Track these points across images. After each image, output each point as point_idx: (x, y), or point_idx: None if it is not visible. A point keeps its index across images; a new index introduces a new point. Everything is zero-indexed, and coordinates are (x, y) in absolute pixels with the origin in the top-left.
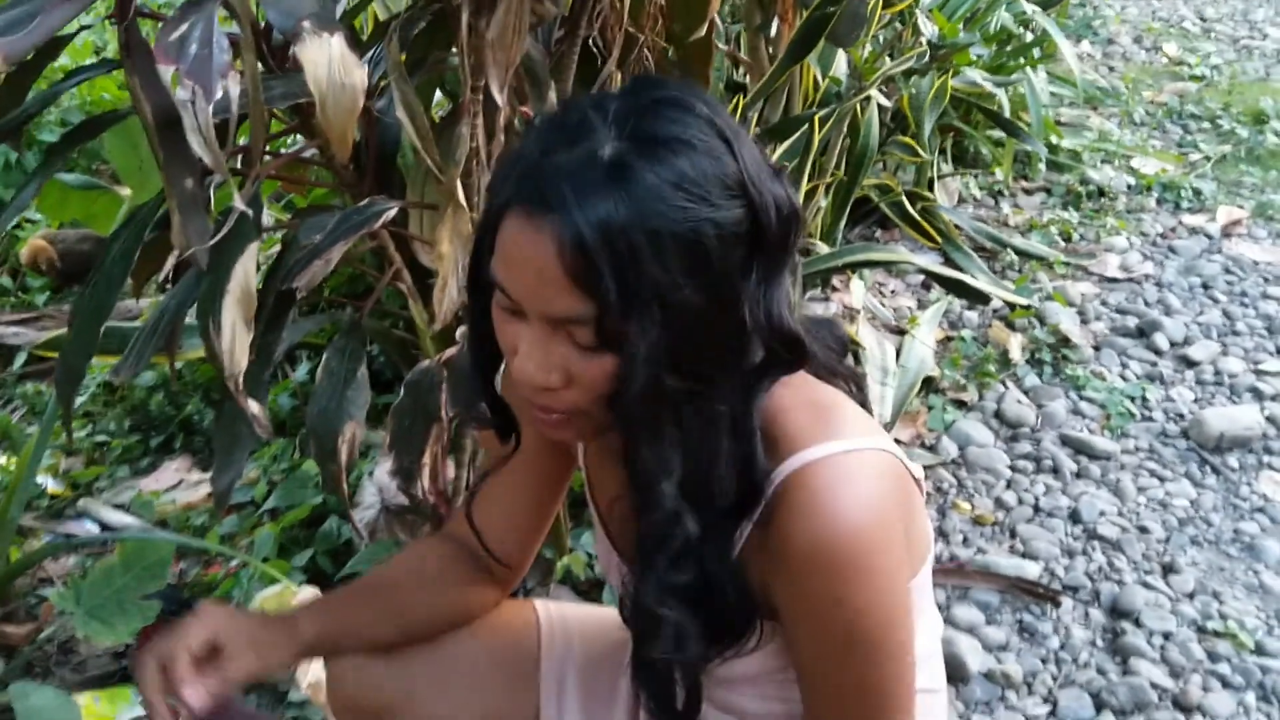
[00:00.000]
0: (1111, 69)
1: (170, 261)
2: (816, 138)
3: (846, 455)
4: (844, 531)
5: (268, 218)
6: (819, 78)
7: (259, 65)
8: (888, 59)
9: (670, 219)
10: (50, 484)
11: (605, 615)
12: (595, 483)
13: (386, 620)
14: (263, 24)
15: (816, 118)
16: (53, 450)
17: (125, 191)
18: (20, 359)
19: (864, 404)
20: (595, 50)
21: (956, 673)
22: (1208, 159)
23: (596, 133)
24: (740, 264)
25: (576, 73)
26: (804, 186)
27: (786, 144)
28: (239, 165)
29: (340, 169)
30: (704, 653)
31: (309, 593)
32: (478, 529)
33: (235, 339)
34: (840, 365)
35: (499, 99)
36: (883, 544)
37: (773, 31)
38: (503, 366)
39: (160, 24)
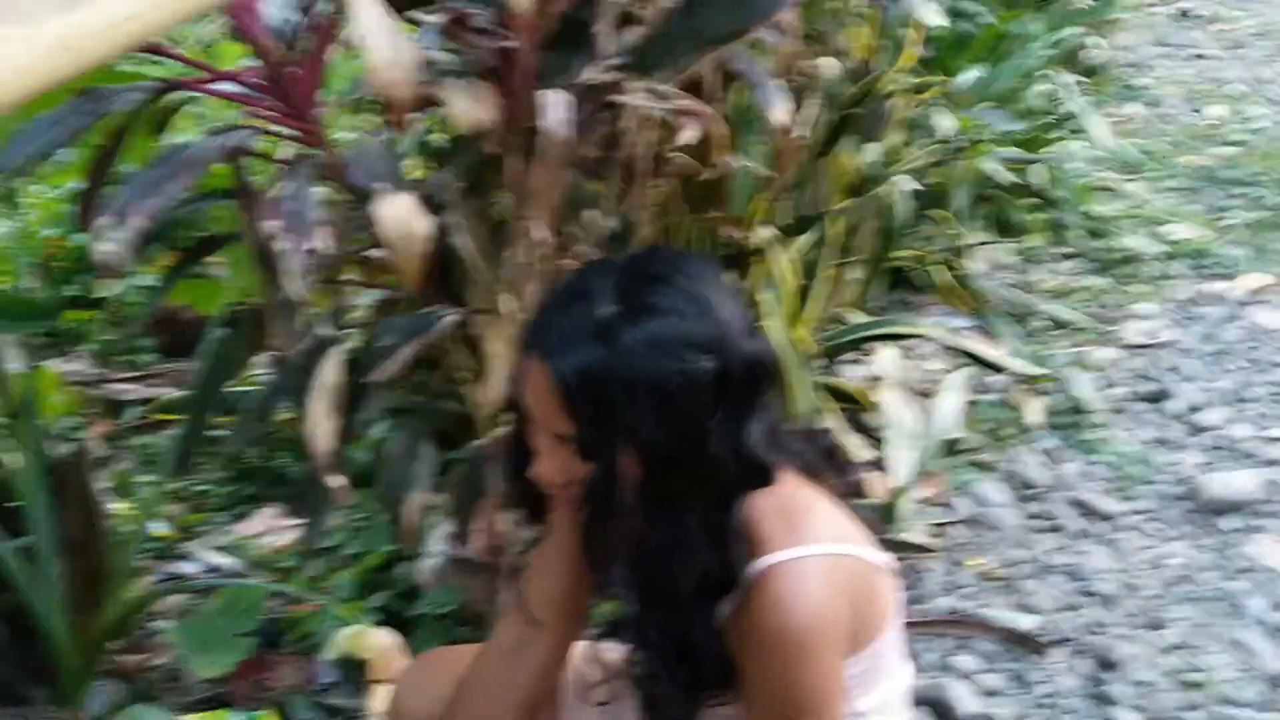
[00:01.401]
0: (1157, 132)
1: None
2: (830, 233)
3: (804, 560)
4: (794, 627)
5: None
6: (853, 163)
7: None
8: (914, 149)
9: (641, 371)
10: (159, 528)
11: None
12: None
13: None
14: None
15: (827, 218)
16: (161, 498)
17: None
18: (133, 413)
19: (850, 494)
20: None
21: (950, 715)
22: (1239, 225)
23: (596, 298)
24: (709, 406)
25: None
26: (823, 272)
27: (806, 236)
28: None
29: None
30: (693, 700)
31: (382, 633)
32: (526, 596)
33: (321, 426)
34: (824, 468)
35: (537, 237)
36: (825, 637)
37: (803, 129)
38: None
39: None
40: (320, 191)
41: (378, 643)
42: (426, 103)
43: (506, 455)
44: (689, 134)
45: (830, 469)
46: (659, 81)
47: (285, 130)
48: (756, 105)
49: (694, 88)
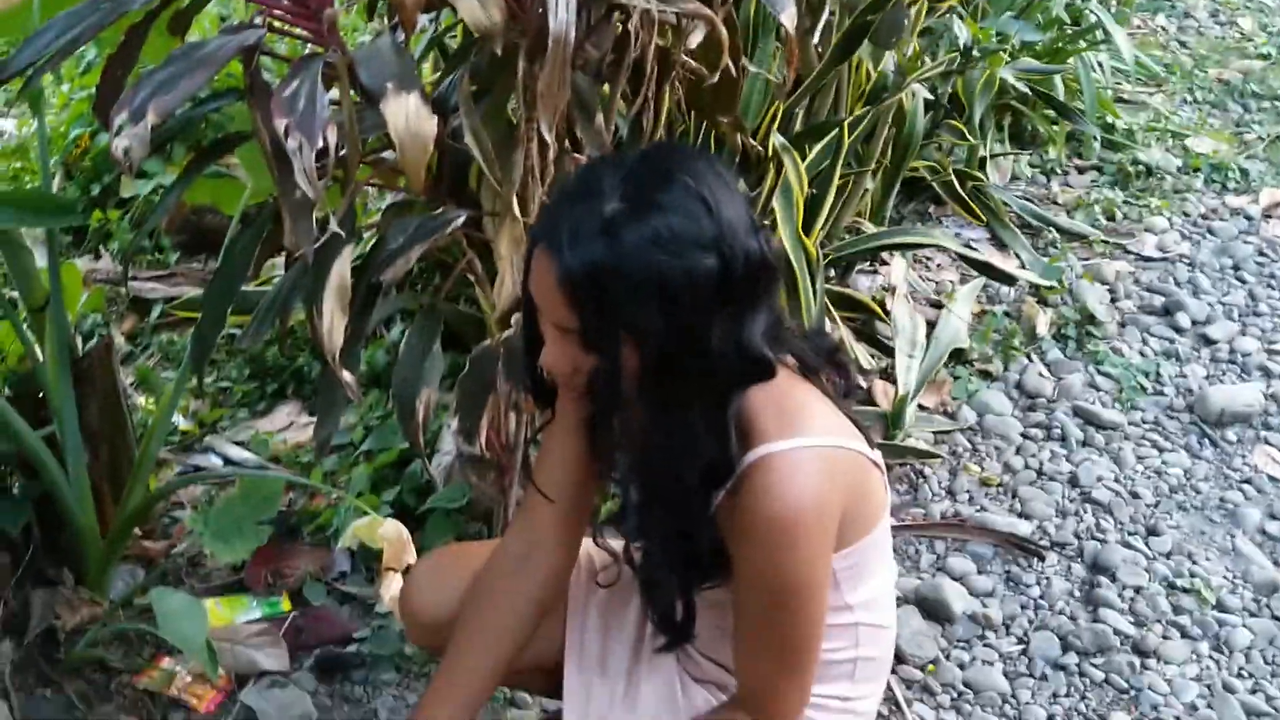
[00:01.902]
0: (1183, 44)
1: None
2: (846, 141)
3: (799, 451)
4: (784, 514)
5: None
6: (871, 71)
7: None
8: (929, 59)
9: (644, 268)
10: (182, 422)
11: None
12: None
13: (498, 650)
14: None
15: (846, 124)
16: (183, 393)
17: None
18: (156, 311)
19: (848, 394)
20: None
21: (942, 613)
22: (1261, 139)
23: (605, 194)
24: (711, 304)
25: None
26: (836, 180)
27: (820, 144)
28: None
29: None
30: (689, 583)
31: (393, 525)
32: (537, 485)
33: (333, 323)
34: (824, 366)
35: (548, 138)
36: (815, 527)
37: (817, 35)
38: None
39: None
40: (330, 91)
41: (390, 533)
42: (438, 4)
43: (520, 344)
44: (696, 37)
45: (830, 368)
46: None
47: (299, 30)
48: (768, 9)
49: None
